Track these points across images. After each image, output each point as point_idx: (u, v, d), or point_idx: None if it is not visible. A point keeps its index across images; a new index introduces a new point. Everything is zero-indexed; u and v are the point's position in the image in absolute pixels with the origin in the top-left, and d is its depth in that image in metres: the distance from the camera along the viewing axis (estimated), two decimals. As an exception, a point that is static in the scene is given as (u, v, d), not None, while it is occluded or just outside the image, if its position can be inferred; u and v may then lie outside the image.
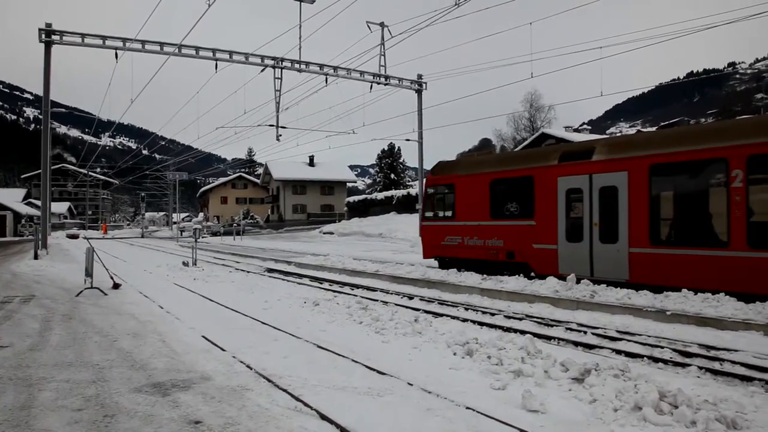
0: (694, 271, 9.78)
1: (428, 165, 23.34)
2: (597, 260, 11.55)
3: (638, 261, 10.74)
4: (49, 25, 22.78)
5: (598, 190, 11.60)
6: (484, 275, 13.33)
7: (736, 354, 6.35)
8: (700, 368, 5.91)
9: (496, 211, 14.16)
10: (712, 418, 4.15)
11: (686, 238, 10.31)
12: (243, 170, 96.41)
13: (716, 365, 6.04)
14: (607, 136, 15.54)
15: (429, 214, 16.75)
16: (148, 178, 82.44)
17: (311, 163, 73.69)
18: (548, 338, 7.60)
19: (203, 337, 7.53)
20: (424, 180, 21.89)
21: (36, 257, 21.40)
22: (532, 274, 12.88)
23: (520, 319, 9.01)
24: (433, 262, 16.65)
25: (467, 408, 4.62)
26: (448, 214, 15.79)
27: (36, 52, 23.16)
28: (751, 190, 9.12)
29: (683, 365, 6.08)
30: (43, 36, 22.55)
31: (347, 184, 78.79)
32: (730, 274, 9.27)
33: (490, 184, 14.33)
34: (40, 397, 4.94)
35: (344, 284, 14.26)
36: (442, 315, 9.38)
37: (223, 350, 6.74)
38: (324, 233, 46.89)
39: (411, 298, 11.50)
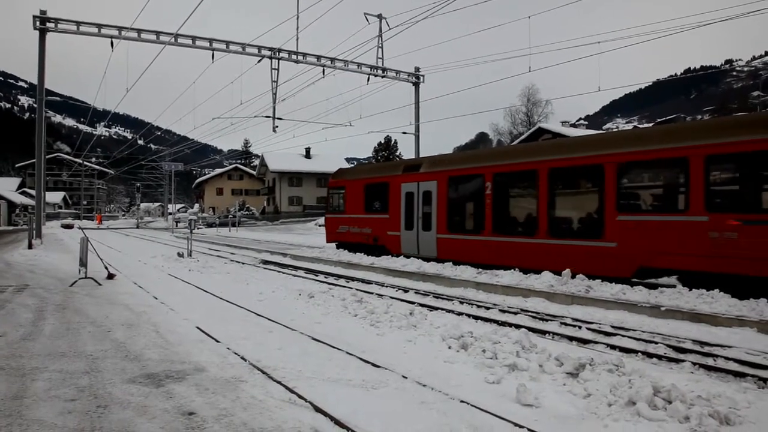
0: (470, 251, 13.98)
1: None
2: (421, 243, 15.84)
3: (441, 243, 15.10)
4: (43, 12, 22.52)
5: (422, 194, 15.83)
6: (480, 267, 14.50)
7: (730, 350, 6.37)
8: (694, 364, 5.92)
9: (368, 207, 18.47)
10: (706, 413, 4.16)
11: (465, 227, 14.69)
12: (239, 162, 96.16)
13: (710, 361, 6.06)
14: (433, 155, 19.08)
15: (330, 208, 20.92)
16: (143, 168, 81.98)
17: (307, 155, 73.46)
18: (543, 333, 7.61)
19: (197, 328, 7.51)
20: None
21: (30, 247, 21.30)
22: (394, 255, 16.58)
23: (515, 313, 9.01)
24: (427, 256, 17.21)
25: (462, 401, 4.62)
26: (342, 209, 19.99)
27: (31, 39, 22.90)
28: (495, 196, 13.53)
29: (677, 361, 6.10)
30: (38, 23, 22.31)
31: (344, 176, 78.44)
32: (487, 252, 13.47)
33: (364, 187, 18.76)
34: (32, 387, 4.91)
35: (339, 276, 14.26)
36: (437, 308, 9.37)
37: (218, 341, 6.72)
38: (320, 225, 46.82)
39: (406, 291, 11.51)
